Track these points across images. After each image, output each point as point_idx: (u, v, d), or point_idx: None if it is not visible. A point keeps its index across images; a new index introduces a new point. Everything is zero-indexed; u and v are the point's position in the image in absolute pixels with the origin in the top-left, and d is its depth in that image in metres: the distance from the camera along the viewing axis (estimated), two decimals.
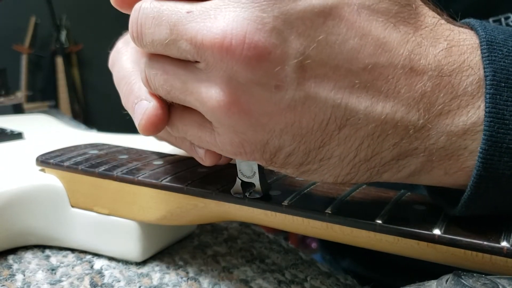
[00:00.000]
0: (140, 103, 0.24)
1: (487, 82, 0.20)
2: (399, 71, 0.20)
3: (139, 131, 0.24)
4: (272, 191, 0.26)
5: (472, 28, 0.22)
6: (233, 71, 0.19)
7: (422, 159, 0.21)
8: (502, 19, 0.37)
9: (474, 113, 0.20)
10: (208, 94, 0.21)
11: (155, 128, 0.24)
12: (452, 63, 0.20)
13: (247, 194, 0.26)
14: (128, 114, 0.37)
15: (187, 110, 0.23)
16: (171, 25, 0.20)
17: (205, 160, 0.26)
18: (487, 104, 0.20)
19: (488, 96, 0.20)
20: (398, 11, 0.20)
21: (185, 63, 0.21)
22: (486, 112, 0.20)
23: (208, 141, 0.23)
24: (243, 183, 0.26)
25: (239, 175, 0.26)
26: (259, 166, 0.25)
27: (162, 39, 0.21)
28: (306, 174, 0.23)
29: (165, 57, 0.22)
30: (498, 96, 0.20)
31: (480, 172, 0.20)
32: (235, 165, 0.31)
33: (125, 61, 0.27)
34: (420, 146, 0.21)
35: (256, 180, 0.25)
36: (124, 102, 0.26)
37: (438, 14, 0.22)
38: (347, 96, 0.20)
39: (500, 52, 0.21)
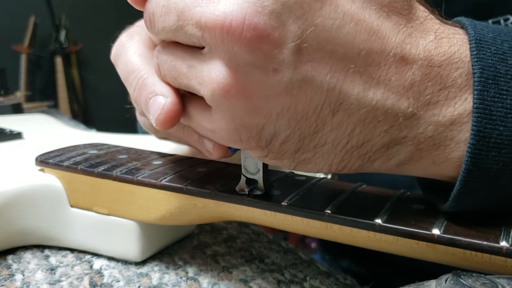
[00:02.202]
0: (155, 98, 0.24)
1: (475, 78, 0.21)
2: (390, 58, 0.21)
3: (155, 125, 0.24)
4: (271, 190, 0.26)
5: (462, 26, 0.23)
6: (233, 52, 0.20)
7: (411, 147, 0.22)
8: (502, 21, 0.37)
9: (461, 105, 0.21)
10: (209, 76, 0.21)
11: (172, 123, 0.24)
12: (442, 54, 0.21)
13: (247, 191, 0.26)
14: (127, 113, 0.37)
15: (192, 97, 0.24)
16: (179, 12, 0.21)
17: (213, 153, 0.26)
18: (475, 100, 0.21)
19: (476, 92, 0.21)
20: (391, 1, 0.21)
21: (192, 49, 0.22)
22: (474, 108, 0.21)
23: (208, 128, 0.24)
24: (247, 180, 0.26)
25: (244, 171, 0.26)
26: (263, 162, 0.25)
27: (171, 25, 0.22)
28: (302, 165, 0.23)
29: (175, 44, 0.23)
30: (485, 93, 0.20)
31: (469, 166, 0.21)
32: (234, 164, 0.32)
33: (131, 54, 0.27)
34: (409, 135, 0.22)
35: (259, 177, 0.26)
36: (135, 95, 0.26)
37: (430, 11, 0.23)
38: (342, 80, 0.20)
39: (489, 50, 0.21)
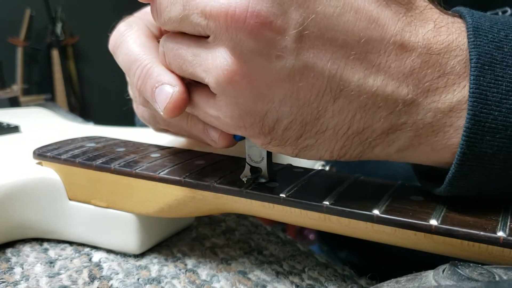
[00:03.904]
0: (162, 88, 0.25)
1: (472, 64, 0.21)
2: (390, 46, 0.21)
3: (162, 114, 0.25)
4: (270, 182, 0.27)
5: (460, 15, 0.23)
6: (237, 39, 0.21)
7: (410, 134, 0.22)
8: (500, 13, 0.37)
9: (460, 91, 0.21)
10: (214, 63, 0.22)
11: (179, 111, 0.25)
12: (440, 42, 0.22)
13: (251, 178, 0.26)
14: (125, 105, 0.37)
15: (197, 85, 0.24)
16: (184, 2, 0.22)
17: (218, 142, 0.27)
18: (471, 85, 0.21)
19: (472, 77, 0.21)
20: None
21: (197, 38, 0.23)
22: (470, 93, 0.21)
23: (212, 115, 0.24)
24: (252, 169, 0.27)
25: (248, 160, 0.27)
26: (267, 151, 0.26)
27: (177, 15, 0.22)
28: (304, 151, 0.24)
29: (181, 34, 0.24)
30: (481, 78, 0.21)
31: (464, 150, 0.21)
32: (233, 157, 0.32)
33: (132, 44, 0.28)
34: (408, 121, 0.22)
35: (263, 165, 0.26)
36: (139, 85, 0.26)
37: (429, 0, 0.23)
38: (342, 67, 0.21)
39: (485, 38, 0.22)
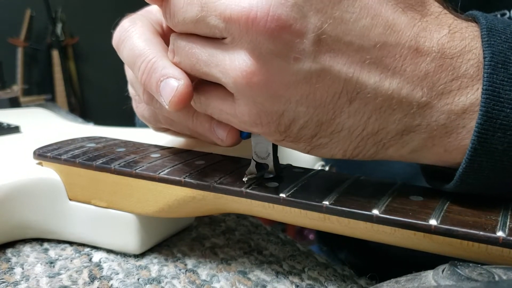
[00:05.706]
0: (167, 81, 0.25)
1: (486, 62, 0.22)
2: (405, 51, 0.22)
3: (167, 107, 0.25)
4: (269, 183, 0.27)
5: (474, 18, 0.24)
6: (257, 42, 0.21)
7: (424, 135, 0.23)
8: (499, 16, 0.37)
9: (473, 94, 0.22)
10: (232, 65, 0.22)
11: (184, 105, 0.25)
12: (454, 47, 0.22)
13: (248, 178, 0.27)
14: (124, 105, 0.37)
15: (209, 84, 0.25)
16: (202, 3, 0.22)
17: (226, 141, 0.28)
18: (484, 82, 0.21)
19: (486, 75, 0.21)
20: None
21: (212, 39, 0.23)
22: (483, 90, 0.21)
23: (228, 113, 0.25)
24: (257, 165, 0.27)
25: (254, 156, 0.27)
26: (273, 147, 0.26)
27: (193, 16, 0.23)
28: (317, 149, 0.24)
29: (193, 34, 0.24)
30: (495, 76, 0.21)
31: (475, 145, 0.21)
32: (232, 157, 0.32)
33: (137, 39, 0.28)
34: (422, 123, 0.22)
35: (270, 161, 0.27)
36: (144, 79, 0.26)
37: (443, 6, 0.24)
38: (359, 71, 0.22)
39: (499, 38, 0.22)
